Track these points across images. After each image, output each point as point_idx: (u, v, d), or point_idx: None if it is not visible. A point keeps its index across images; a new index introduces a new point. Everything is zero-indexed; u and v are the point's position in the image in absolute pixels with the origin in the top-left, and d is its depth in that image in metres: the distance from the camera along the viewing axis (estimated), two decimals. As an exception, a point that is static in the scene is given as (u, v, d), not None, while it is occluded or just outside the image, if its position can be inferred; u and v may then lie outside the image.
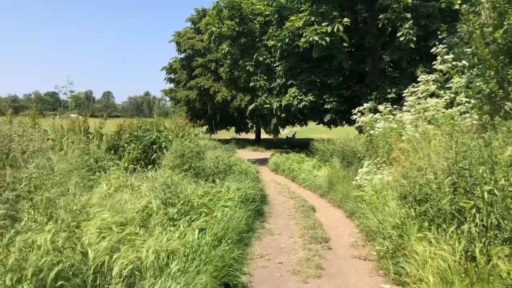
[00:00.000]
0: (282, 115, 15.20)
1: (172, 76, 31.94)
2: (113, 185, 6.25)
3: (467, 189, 3.47)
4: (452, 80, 7.50)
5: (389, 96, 13.03)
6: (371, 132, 8.02)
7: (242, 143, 29.40)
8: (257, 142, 30.15)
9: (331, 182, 9.19)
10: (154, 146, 9.57)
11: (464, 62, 7.45)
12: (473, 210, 3.37)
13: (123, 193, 6.12)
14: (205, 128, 31.74)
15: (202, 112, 29.20)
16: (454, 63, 7.54)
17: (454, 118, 6.90)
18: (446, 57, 7.65)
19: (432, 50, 8.29)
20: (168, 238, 4.45)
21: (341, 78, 14.35)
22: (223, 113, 28.27)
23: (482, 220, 3.36)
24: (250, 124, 31.59)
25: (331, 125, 17.93)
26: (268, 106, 15.29)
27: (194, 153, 8.86)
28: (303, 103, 14.03)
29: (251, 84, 15.59)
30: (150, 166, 8.75)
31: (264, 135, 33.43)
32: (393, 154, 5.78)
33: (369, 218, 5.67)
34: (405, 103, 7.96)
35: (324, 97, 14.28)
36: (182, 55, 30.47)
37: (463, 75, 7.40)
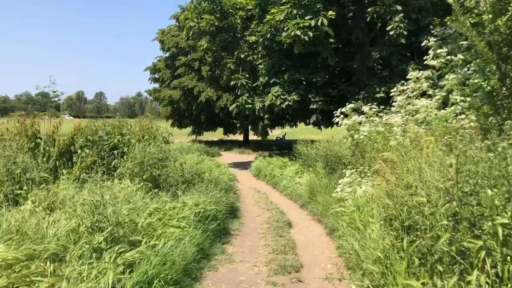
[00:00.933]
0: (266, 116, 14.18)
1: (156, 76, 30.76)
2: (43, 202, 5.18)
3: (473, 222, 2.49)
4: (446, 77, 6.56)
5: (378, 95, 12.11)
6: (356, 136, 7.04)
7: (229, 145, 28.37)
8: (245, 144, 29.13)
9: (312, 191, 8.20)
10: (115, 152, 8.51)
11: (459, 56, 6.52)
12: (482, 253, 2.38)
13: (54, 212, 5.06)
14: (189, 129, 30.70)
15: (187, 112, 28.10)
16: (449, 57, 6.59)
17: (448, 120, 5.95)
18: (439, 51, 6.70)
19: (423, 44, 7.35)
20: (82, 279, 3.41)
21: (327, 76, 13.38)
22: (208, 113, 27.17)
23: (495, 267, 2.37)
24: (238, 125, 30.53)
25: (321, 126, 16.96)
26: (250, 106, 14.26)
27: (156, 160, 7.81)
28: (287, 103, 13.04)
29: (232, 83, 14.56)
30: (106, 176, 7.73)
31: (253, 137, 32.41)
32: (376, 165, 4.80)
33: (349, 241, 4.69)
34: (393, 103, 7.02)
35: (310, 96, 13.31)
36: (167, 54, 29.34)
37: (459, 71, 6.47)
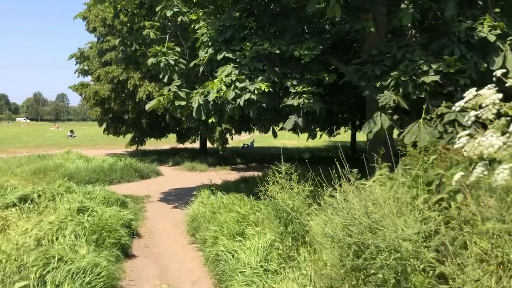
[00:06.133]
0: (210, 121, 7.83)
1: (86, 67, 23.55)
2: None
3: None
4: None
5: (425, 79, 6.14)
6: None
7: (180, 157, 21.75)
8: (201, 155, 22.64)
9: None
10: None
11: None
12: None
13: None
14: (128, 137, 23.75)
15: (124, 115, 21.19)
16: None
17: None
18: None
19: None
20: None
21: (321, 47, 7.30)
22: (152, 116, 20.49)
23: None
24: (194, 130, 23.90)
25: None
26: (182, 103, 7.88)
27: None
28: (247, 95, 6.81)
29: (150, 61, 8.09)
30: None
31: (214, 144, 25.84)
32: None
33: None
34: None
35: (288, 84, 7.16)
36: (96, 37, 22.27)
37: None
